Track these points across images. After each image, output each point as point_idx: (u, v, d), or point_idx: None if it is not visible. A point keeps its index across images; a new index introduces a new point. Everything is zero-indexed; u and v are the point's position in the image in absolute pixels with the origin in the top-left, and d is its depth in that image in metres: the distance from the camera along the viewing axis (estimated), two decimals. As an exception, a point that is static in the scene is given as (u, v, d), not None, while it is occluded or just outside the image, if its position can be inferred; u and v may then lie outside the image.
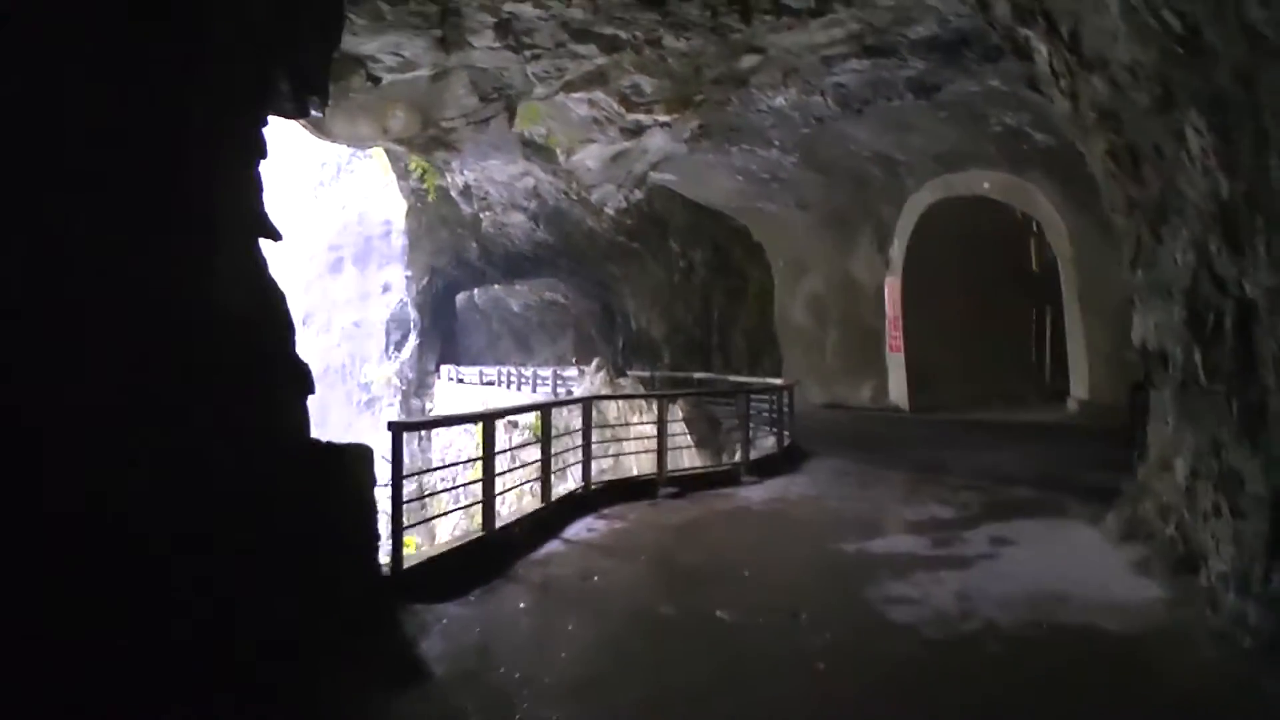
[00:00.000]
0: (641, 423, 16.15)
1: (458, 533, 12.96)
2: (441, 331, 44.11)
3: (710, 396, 19.35)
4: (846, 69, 15.81)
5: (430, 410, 42.06)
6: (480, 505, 8.11)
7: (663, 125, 17.62)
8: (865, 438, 17.49)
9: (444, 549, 7.54)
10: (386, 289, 55.23)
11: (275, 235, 5.00)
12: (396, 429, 6.75)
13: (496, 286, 49.54)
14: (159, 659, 4.10)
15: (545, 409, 10.36)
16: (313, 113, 6.85)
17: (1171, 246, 6.35)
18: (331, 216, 63.51)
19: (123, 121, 4.07)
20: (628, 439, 15.73)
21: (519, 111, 17.65)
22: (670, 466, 12.34)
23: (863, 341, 24.34)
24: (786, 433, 14.99)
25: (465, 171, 33.74)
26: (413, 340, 43.35)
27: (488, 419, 8.58)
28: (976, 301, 22.46)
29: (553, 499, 9.85)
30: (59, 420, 3.76)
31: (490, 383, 35.45)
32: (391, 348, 48.29)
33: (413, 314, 43.15)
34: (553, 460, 10.03)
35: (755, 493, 11.70)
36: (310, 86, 6.29)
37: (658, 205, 30.03)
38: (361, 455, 5.95)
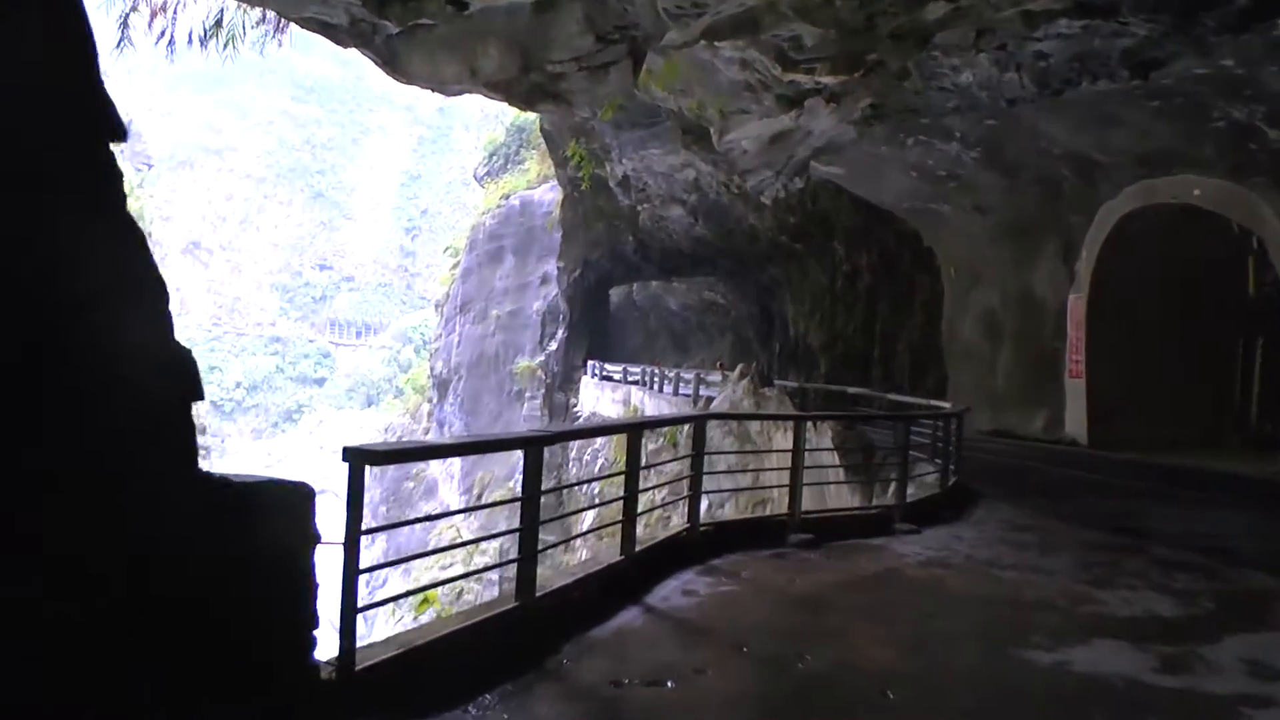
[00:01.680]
0: (779, 449, 13.93)
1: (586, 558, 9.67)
2: (591, 326, 43.04)
3: (862, 420, 16.93)
4: (1053, 32, 13.15)
5: (575, 408, 41.04)
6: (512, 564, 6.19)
7: (828, 99, 15.02)
8: (1042, 479, 15.06)
9: (440, 631, 5.19)
10: (545, 280, 55.07)
11: (121, 133, 3.31)
12: (356, 460, 4.43)
13: (655, 284, 48.62)
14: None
15: (634, 430, 7.89)
16: None
17: None
18: (495, 205, 63.76)
19: None
20: (764, 468, 13.54)
21: (653, 68, 15.22)
22: (809, 505, 10.32)
23: (1038, 364, 21.73)
24: (952, 469, 12.64)
25: (624, 160, 32.63)
26: (561, 333, 42.39)
27: (531, 444, 6.11)
28: (1174, 327, 19.57)
29: (643, 545, 7.59)
30: None
31: (634, 381, 34.03)
32: (546, 340, 47.78)
33: (562, 306, 42.21)
34: (655, 491, 8.21)
35: (910, 549, 9.40)
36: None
37: (823, 203, 27.99)
38: (288, 499, 4.03)
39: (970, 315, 24.32)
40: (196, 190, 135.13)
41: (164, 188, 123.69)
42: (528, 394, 45.26)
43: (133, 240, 3.24)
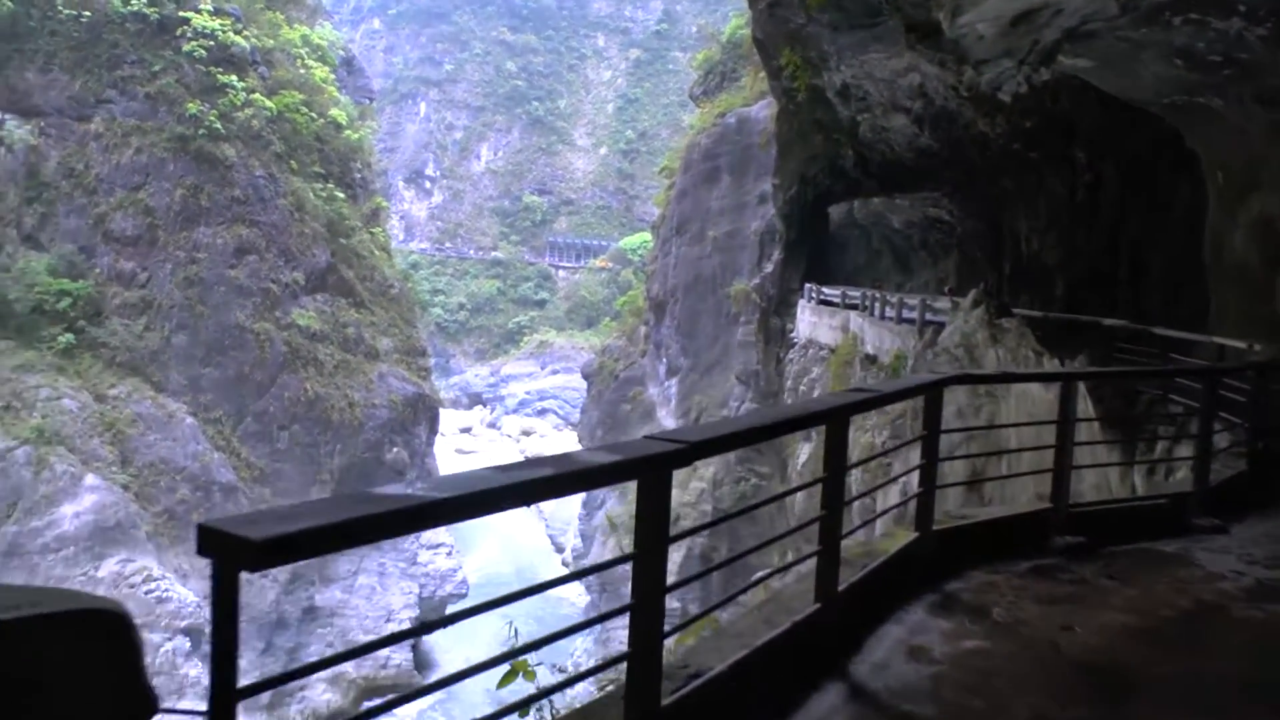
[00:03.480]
0: (1022, 423, 11.06)
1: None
2: (809, 246, 41.26)
3: (1139, 375, 13.34)
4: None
5: (791, 334, 39.57)
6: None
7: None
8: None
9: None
10: (763, 199, 53.59)
11: None
12: (223, 559, 2.12)
13: (876, 201, 46.36)
14: None
15: (838, 415, 4.84)
16: None
17: None
18: (710, 124, 62.50)
19: None
20: (1004, 451, 11.11)
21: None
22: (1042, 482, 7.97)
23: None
24: (1261, 444, 9.60)
25: (842, 67, 30.69)
26: (776, 254, 40.84)
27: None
28: None
29: (849, 578, 5.16)
30: None
31: (853, 305, 32.24)
32: (764, 261, 46.45)
33: (778, 226, 40.59)
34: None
35: (1224, 562, 6.87)
36: None
37: (1064, 103, 25.19)
38: (74, 640, 1.95)
39: (1242, 229, 21.23)
40: (418, 121, 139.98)
41: (387, 120, 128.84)
42: (742, 318, 44.10)
43: None
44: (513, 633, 6.30)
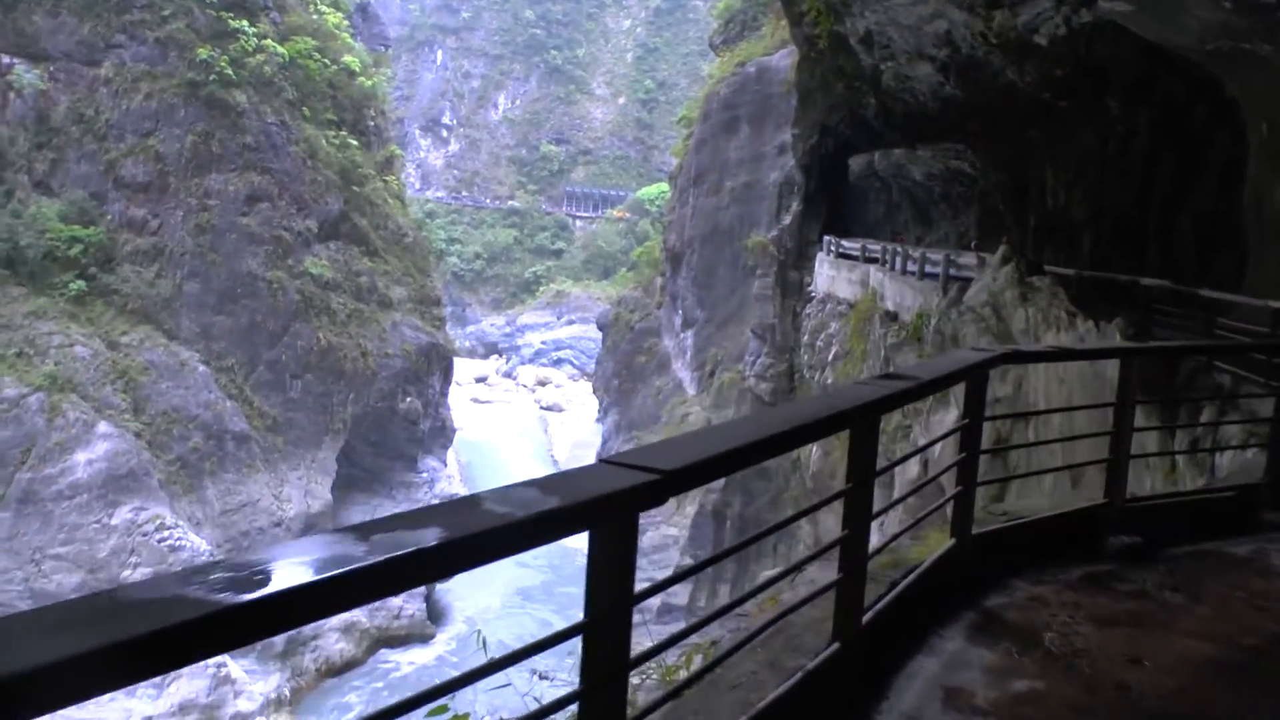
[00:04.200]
0: (1059, 410, 9.79)
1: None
2: (829, 198, 40.40)
3: (1215, 350, 11.36)
4: None
5: (809, 288, 38.87)
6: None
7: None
8: None
9: None
10: (782, 149, 52.71)
11: None
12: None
13: (897, 152, 45.45)
14: None
15: (862, 414, 3.84)
16: None
17: None
18: (730, 73, 61.41)
19: None
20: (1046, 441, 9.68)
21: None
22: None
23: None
24: None
25: (866, 14, 29.81)
26: (795, 206, 40.02)
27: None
28: None
29: (876, 596, 4.33)
30: None
31: (873, 259, 31.46)
32: (782, 212, 45.64)
33: (797, 177, 39.75)
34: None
35: None
36: None
37: (1098, 50, 24.25)
38: None
39: (1282, 180, 20.43)
40: (435, 69, 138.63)
41: (404, 68, 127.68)
42: (759, 271, 43.42)
43: None
44: (481, 643, 5.59)
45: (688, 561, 38.69)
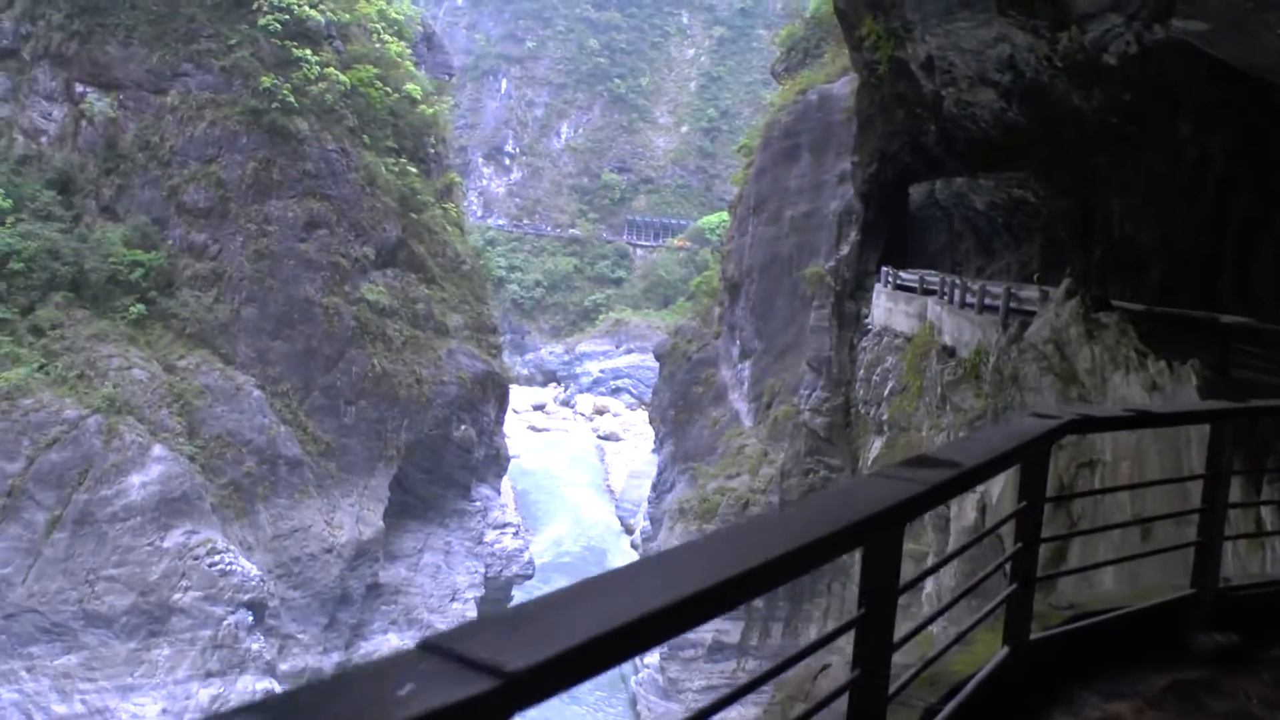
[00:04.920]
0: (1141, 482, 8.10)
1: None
2: (888, 227, 39.56)
3: None
4: None
5: (866, 320, 37.96)
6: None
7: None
8: None
9: None
10: (842, 178, 51.95)
11: None
12: None
13: (959, 180, 44.51)
14: None
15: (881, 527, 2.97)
16: None
17: None
18: (791, 101, 60.90)
19: None
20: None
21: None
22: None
23: None
24: None
25: (927, 38, 29.16)
26: (853, 235, 39.22)
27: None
28: None
29: None
30: None
31: (931, 291, 30.52)
32: (842, 242, 44.86)
33: (856, 205, 38.97)
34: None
35: None
36: None
37: (1170, 74, 23.28)
38: None
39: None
40: (499, 98, 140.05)
41: (468, 96, 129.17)
42: (815, 302, 42.61)
43: None
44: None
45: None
